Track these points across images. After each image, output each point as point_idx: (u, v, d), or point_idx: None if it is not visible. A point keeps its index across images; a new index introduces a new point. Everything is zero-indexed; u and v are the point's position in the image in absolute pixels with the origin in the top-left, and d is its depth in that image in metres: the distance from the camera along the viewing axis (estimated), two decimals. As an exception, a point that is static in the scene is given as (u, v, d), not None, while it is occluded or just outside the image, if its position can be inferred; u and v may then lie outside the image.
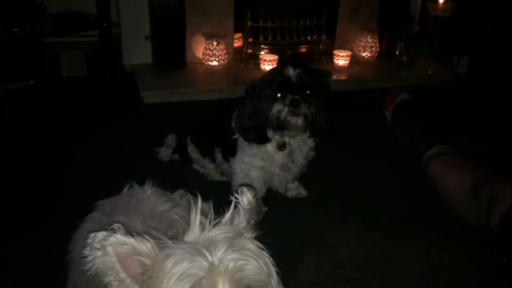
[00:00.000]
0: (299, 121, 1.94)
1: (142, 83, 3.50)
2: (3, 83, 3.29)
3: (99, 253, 0.91)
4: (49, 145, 2.75)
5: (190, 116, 3.09)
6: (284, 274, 1.05)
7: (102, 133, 2.92)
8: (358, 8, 4.06)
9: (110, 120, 3.10)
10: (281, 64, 3.66)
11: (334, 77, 3.76)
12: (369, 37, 4.02)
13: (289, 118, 1.93)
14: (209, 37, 3.70)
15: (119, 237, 0.92)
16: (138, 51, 3.81)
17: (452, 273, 1.77)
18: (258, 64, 3.75)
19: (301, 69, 1.94)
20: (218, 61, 3.74)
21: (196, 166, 2.50)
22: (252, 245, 0.98)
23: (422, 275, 1.75)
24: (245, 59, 3.94)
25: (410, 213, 2.20)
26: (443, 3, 4.08)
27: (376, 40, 4.05)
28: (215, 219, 1.03)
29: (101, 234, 0.92)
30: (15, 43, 3.37)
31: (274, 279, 1.00)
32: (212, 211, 1.02)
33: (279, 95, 1.93)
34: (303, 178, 2.34)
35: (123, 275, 0.94)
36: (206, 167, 2.45)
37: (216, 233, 0.98)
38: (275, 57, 3.69)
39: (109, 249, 0.91)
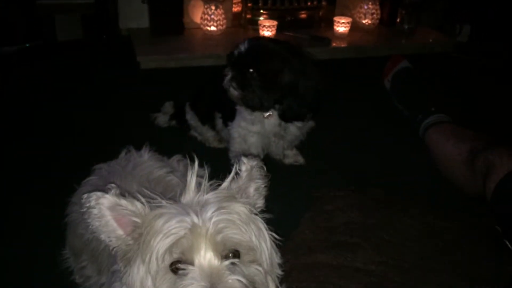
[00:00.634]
0: (236, 94, 2.02)
1: (139, 48, 3.45)
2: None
3: (95, 211, 0.94)
4: (44, 110, 2.73)
5: (188, 82, 3.07)
6: (281, 239, 1.06)
7: (99, 98, 2.90)
8: (360, -27, 3.98)
9: (106, 85, 3.07)
10: (280, 29, 3.65)
11: (334, 44, 3.72)
12: (370, 3, 3.95)
13: (230, 90, 2.03)
14: (207, 1, 3.62)
15: (111, 197, 0.95)
16: (135, 15, 3.74)
17: (447, 241, 1.80)
18: (257, 30, 3.68)
19: (257, 45, 2.01)
20: (216, 27, 3.68)
21: (194, 133, 2.50)
22: (243, 209, 0.98)
23: (417, 241, 1.78)
24: (244, 24, 3.88)
25: (406, 181, 2.21)
26: (446, -30, 4.00)
27: (378, 7, 3.98)
28: (212, 183, 1.03)
29: (94, 195, 0.94)
30: (6, 2, 3.27)
31: (267, 244, 1.00)
32: (207, 175, 1.02)
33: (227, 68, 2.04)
34: (301, 146, 2.34)
35: (120, 231, 0.97)
36: (205, 134, 2.45)
37: (211, 196, 0.99)
38: (275, 23, 3.63)
39: (103, 207, 0.94)
